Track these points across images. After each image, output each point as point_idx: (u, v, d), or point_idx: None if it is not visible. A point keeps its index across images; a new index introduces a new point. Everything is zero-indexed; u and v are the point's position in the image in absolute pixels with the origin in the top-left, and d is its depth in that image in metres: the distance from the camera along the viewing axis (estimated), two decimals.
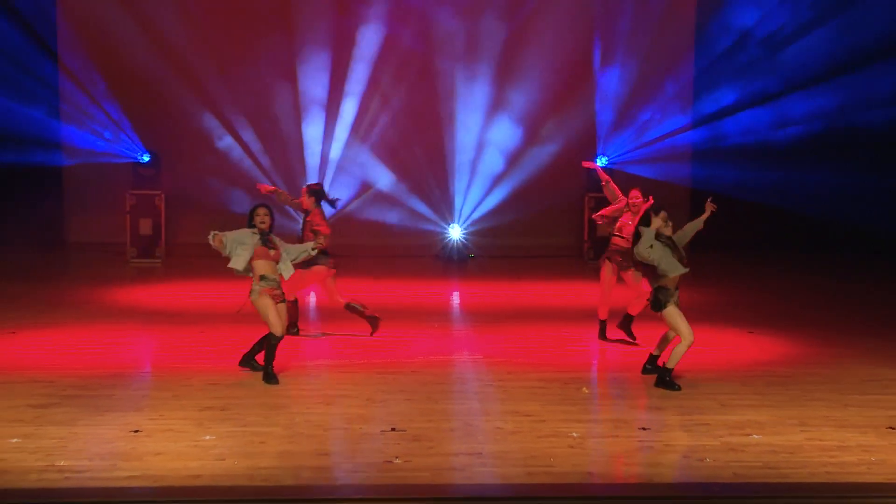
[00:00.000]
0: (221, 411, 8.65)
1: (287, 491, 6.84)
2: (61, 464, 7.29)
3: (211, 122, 18.99)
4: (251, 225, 9.68)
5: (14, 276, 15.69)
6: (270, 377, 9.54)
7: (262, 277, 9.57)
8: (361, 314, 11.33)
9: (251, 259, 9.57)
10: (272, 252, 9.65)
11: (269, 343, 9.64)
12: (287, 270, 9.75)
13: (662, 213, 9.54)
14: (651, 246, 9.34)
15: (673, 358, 9.45)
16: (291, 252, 9.84)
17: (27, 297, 13.87)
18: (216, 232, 9.62)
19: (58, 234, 19.08)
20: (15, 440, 7.78)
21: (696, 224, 9.80)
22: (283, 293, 9.78)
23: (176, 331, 11.88)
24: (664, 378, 9.46)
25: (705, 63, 18.95)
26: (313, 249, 10.05)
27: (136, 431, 8.03)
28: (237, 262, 9.52)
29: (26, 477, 7.02)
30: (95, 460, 7.42)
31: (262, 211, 9.69)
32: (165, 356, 10.68)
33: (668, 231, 9.48)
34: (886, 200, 16.12)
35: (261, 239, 9.63)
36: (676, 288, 9.43)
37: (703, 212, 9.84)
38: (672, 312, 9.38)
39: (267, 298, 9.56)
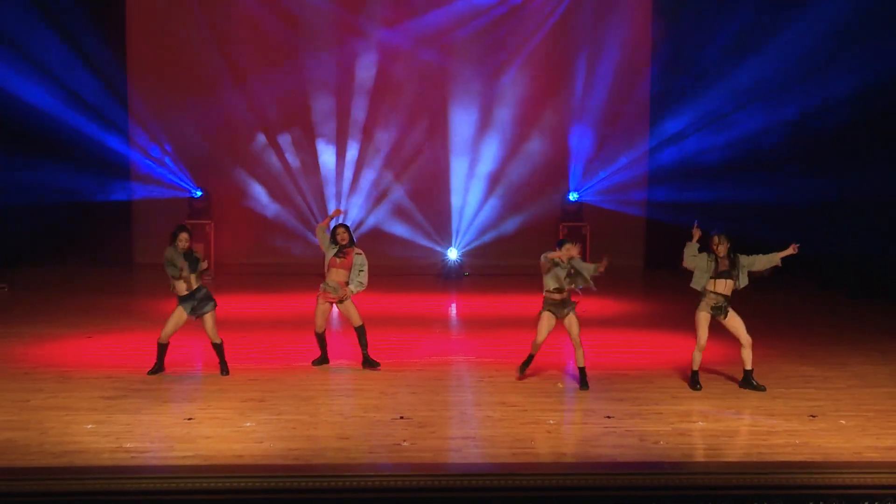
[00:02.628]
0: (259, 402, 8.62)
1: (314, 469, 6.81)
2: (128, 446, 7.26)
3: (250, 166, 19.05)
4: (333, 239, 9.90)
5: (91, 291, 15.66)
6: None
7: (325, 282, 9.91)
8: None
9: (328, 265, 9.91)
10: (340, 261, 9.83)
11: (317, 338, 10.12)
12: (356, 287, 9.91)
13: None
14: (694, 257, 9.17)
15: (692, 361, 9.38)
16: (358, 269, 9.94)
17: (101, 308, 13.84)
18: (323, 225, 9.98)
19: (127, 256, 19.07)
20: (90, 426, 7.76)
21: (772, 259, 9.16)
22: (342, 297, 9.87)
23: (222, 335, 11.82)
24: (692, 378, 9.37)
25: (658, 114, 18.94)
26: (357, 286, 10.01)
27: (190, 419, 8.00)
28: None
29: (99, 456, 7.00)
30: (156, 443, 7.39)
31: (340, 230, 9.92)
32: (214, 357, 10.64)
33: (721, 251, 9.10)
34: (806, 223, 16.07)
35: (337, 251, 9.87)
36: (724, 298, 9.13)
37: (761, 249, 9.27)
38: (698, 317, 9.22)
39: (320, 300, 9.92)
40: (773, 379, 9.65)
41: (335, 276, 9.88)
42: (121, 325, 12.54)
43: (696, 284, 9.28)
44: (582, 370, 9.39)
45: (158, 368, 9.71)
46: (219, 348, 9.84)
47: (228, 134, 18.89)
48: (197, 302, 9.65)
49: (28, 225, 17.41)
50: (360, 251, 9.99)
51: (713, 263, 9.16)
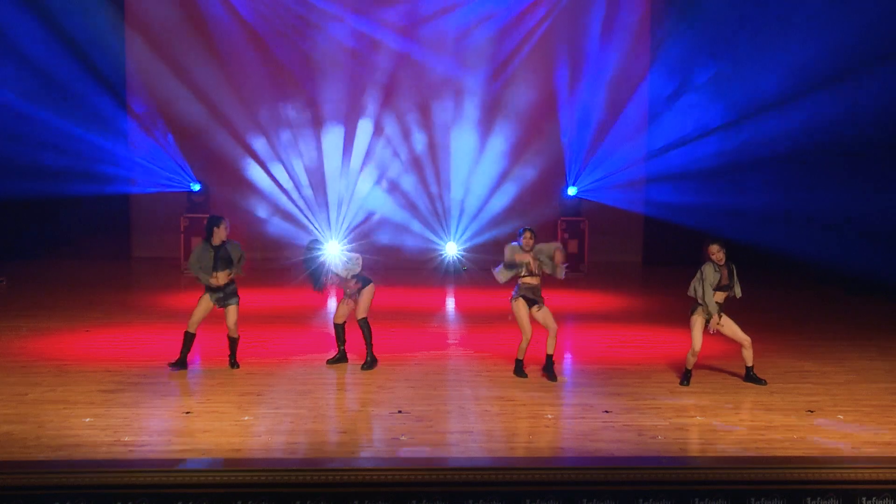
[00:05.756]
0: (258, 396, 8.62)
1: (312, 462, 6.80)
2: (126, 439, 7.26)
3: (249, 157, 19.01)
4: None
5: (88, 284, 15.64)
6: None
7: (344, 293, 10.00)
8: None
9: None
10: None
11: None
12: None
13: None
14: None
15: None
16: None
17: (99, 302, 13.82)
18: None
19: (125, 250, 19.04)
20: (88, 419, 7.75)
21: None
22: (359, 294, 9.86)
23: (221, 330, 11.83)
24: (684, 375, 9.36)
25: (657, 112, 18.89)
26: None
27: (188, 413, 8.00)
28: None
29: (97, 450, 7.00)
30: (154, 436, 7.38)
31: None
32: (212, 351, 10.63)
33: (722, 259, 9.09)
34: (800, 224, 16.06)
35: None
36: (718, 306, 9.12)
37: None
38: (693, 321, 9.19)
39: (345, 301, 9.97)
40: (770, 374, 9.65)
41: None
42: (119, 319, 12.52)
43: (701, 298, 9.18)
44: (549, 357, 9.47)
45: (182, 364, 9.56)
46: (234, 343, 9.83)
47: (227, 128, 18.84)
48: (223, 295, 9.59)
49: (27, 219, 17.37)
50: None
51: (718, 275, 9.11)
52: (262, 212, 19.07)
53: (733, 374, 9.64)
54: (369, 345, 9.85)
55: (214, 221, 9.53)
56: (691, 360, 9.32)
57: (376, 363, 9.80)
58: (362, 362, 9.81)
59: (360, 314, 9.84)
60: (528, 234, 9.44)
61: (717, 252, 9.11)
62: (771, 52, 16.85)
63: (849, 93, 15.74)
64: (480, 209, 19.21)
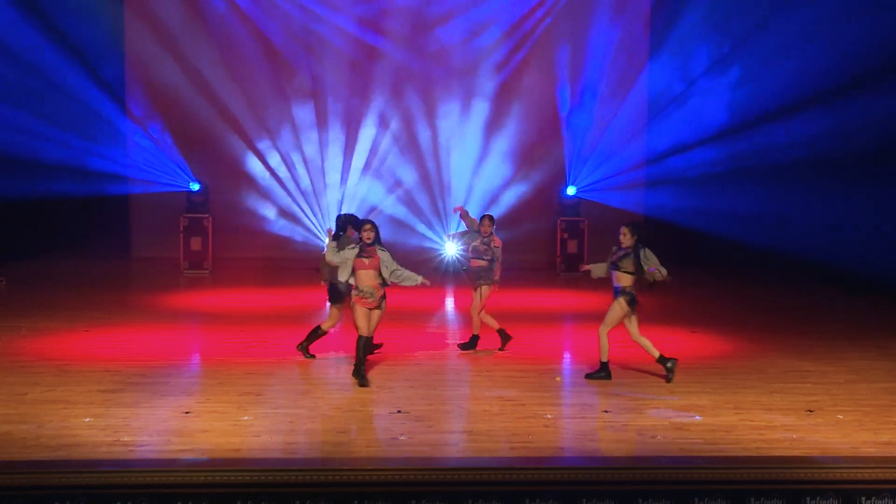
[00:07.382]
0: (257, 396, 8.61)
1: (311, 462, 6.80)
2: (126, 439, 7.25)
3: (248, 157, 19.00)
4: (358, 238, 9.29)
5: (88, 284, 15.62)
6: (361, 377, 9.11)
7: (357, 289, 9.14)
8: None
9: (352, 268, 9.12)
10: (368, 261, 9.10)
11: (357, 343, 9.19)
12: (412, 282, 9.37)
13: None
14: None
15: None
16: (392, 267, 9.25)
17: (99, 301, 13.81)
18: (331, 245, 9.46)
19: (124, 250, 19.03)
20: (88, 419, 7.75)
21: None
22: (380, 302, 9.20)
23: (220, 329, 11.84)
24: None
25: (656, 111, 18.89)
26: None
27: (187, 412, 7.99)
28: (342, 275, 9.24)
29: (97, 450, 6.99)
30: (154, 436, 7.38)
31: (367, 227, 9.23)
32: (211, 350, 10.64)
33: (623, 242, 9.43)
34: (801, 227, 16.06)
35: (361, 251, 9.14)
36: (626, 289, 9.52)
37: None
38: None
39: (357, 306, 9.16)
40: (770, 374, 9.65)
41: (366, 279, 9.07)
42: (119, 319, 12.51)
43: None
44: (474, 337, 10.62)
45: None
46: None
47: (227, 127, 18.83)
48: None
49: (27, 219, 17.36)
50: (384, 248, 9.34)
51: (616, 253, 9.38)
52: (262, 211, 19.07)
53: (733, 374, 9.63)
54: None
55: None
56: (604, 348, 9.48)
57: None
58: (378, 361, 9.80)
59: (371, 331, 9.30)
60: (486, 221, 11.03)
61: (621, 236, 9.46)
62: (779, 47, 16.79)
63: (849, 105, 15.66)
64: (479, 209, 19.20)
